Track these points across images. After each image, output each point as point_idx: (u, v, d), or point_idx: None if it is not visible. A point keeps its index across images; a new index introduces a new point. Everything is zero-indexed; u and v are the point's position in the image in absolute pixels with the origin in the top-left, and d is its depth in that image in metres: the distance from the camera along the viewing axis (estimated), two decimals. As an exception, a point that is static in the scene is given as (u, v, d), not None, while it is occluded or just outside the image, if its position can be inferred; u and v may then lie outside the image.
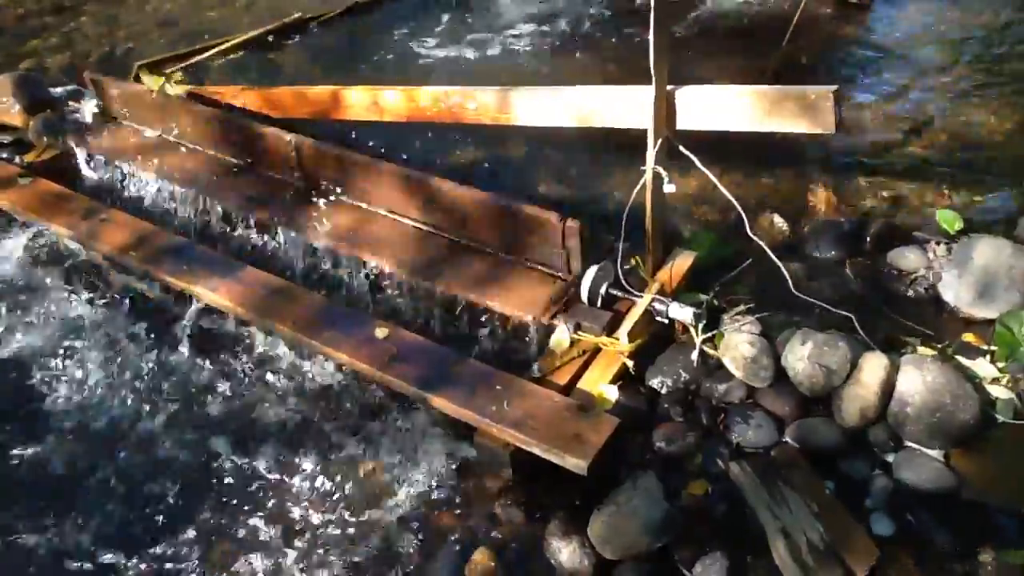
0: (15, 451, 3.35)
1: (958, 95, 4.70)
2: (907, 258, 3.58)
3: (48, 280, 4.10)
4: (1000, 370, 3.01)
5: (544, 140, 4.33)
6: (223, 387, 3.53)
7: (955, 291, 3.37)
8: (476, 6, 6.13)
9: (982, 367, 3.02)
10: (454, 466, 3.13)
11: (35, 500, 3.18)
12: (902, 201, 3.97)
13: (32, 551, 3.00)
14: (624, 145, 3.36)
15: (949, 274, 3.42)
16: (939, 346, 3.13)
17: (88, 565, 2.95)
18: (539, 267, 3.42)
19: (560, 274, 3.37)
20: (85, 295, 3.99)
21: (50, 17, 6.52)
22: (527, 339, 3.37)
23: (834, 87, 2.87)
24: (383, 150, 4.20)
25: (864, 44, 5.40)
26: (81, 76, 4.79)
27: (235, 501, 3.11)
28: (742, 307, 3.21)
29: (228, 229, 4.13)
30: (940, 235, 3.60)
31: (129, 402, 3.49)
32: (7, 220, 4.40)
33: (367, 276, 3.73)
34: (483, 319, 3.46)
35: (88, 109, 4.70)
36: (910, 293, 3.49)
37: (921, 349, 3.12)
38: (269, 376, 3.55)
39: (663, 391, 3.16)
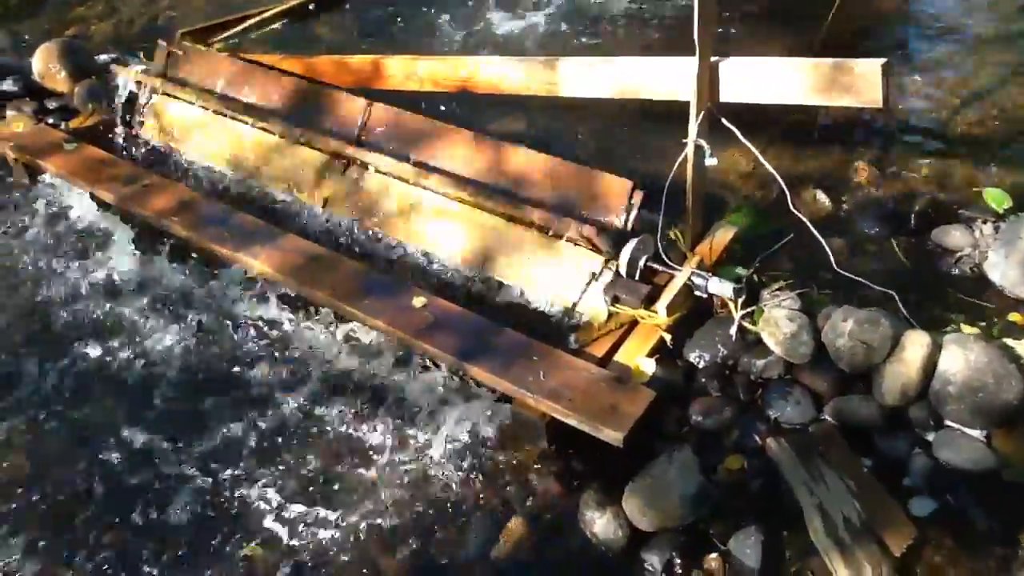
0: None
1: (1008, 70, 4.59)
2: (952, 236, 3.52)
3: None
4: (1046, 351, 2.96)
5: (584, 111, 4.30)
6: (264, 342, 3.59)
7: (1001, 271, 3.31)
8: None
9: (1028, 348, 2.98)
10: (490, 435, 3.15)
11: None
12: (948, 178, 3.90)
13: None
14: (666, 117, 3.33)
15: (996, 253, 3.35)
16: (983, 326, 3.09)
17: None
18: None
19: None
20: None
21: (95, -16, 6.58)
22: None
23: (883, 60, 2.82)
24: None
25: (911, 17, 5.29)
26: (126, 43, 4.83)
27: (268, 460, 3.17)
28: (782, 282, 3.19)
29: (276, 197, 4.17)
30: (987, 213, 3.53)
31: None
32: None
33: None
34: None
35: (133, 78, 4.74)
36: (955, 272, 3.44)
37: (965, 328, 3.07)
38: (309, 337, 3.59)
39: (701, 365, 3.15)
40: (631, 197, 3.29)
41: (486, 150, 3.64)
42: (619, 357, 3.12)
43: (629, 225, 3.30)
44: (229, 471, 3.15)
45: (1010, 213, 3.47)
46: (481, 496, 2.99)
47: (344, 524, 2.95)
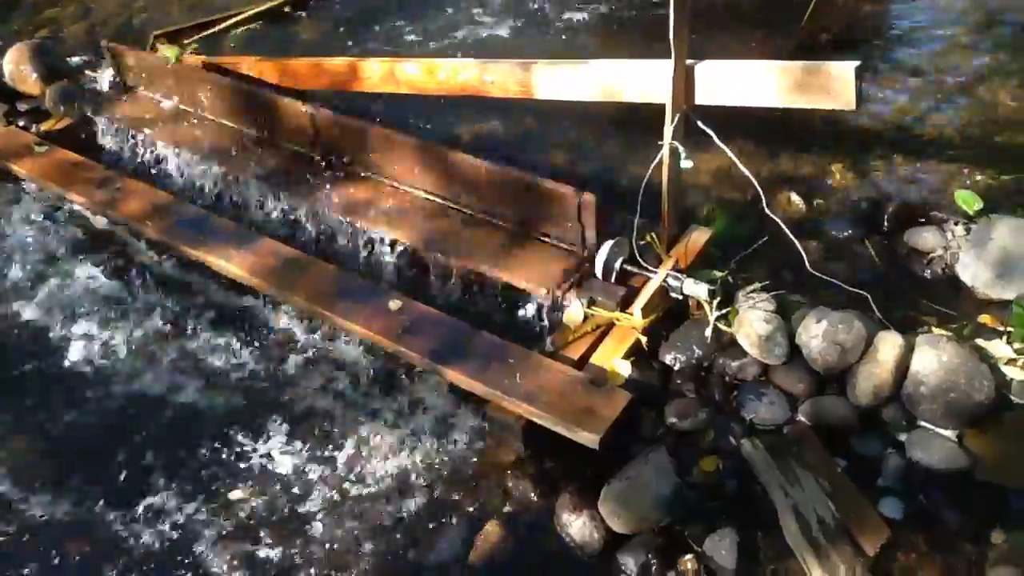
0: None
1: (979, 74, 4.64)
2: (925, 238, 3.56)
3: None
4: (1016, 351, 2.98)
5: (561, 114, 4.31)
6: (237, 356, 3.56)
7: (972, 272, 3.35)
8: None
9: (998, 348, 3.00)
10: (466, 438, 3.14)
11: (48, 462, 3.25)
12: (921, 180, 3.94)
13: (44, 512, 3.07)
14: (642, 120, 3.34)
15: (967, 255, 3.39)
16: (955, 326, 3.11)
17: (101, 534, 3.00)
18: (553, 241, 3.41)
19: (575, 248, 3.35)
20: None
21: (68, -15, 6.51)
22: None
23: (856, 63, 2.84)
24: (400, 122, 4.17)
25: (885, 21, 5.34)
26: (98, 45, 4.78)
27: (243, 469, 3.15)
28: (757, 284, 3.20)
29: (244, 201, 4.13)
30: (959, 215, 3.57)
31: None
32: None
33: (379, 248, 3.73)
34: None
35: (105, 78, 4.70)
36: (927, 273, 3.47)
37: (936, 329, 3.10)
38: (281, 346, 3.58)
39: (676, 367, 3.15)
40: (580, 208, 3.25)
41: (433, 159, 3.63)
42: (595, 359, 3.11)
43: (586, 245, 3.31)
44: (194, 482, 3.13)
45: (980, 215, 3.51)
46: (456, 500, 2.98)
47: (316, 529, 2.93)
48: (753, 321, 3.06)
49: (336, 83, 4.23)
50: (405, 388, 3.36)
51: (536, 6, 5.69)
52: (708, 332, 3.13)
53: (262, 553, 2.88)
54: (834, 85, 2.93)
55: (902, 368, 2.91)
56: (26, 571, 2.89)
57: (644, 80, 3.23)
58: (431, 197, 3.71)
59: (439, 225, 3.60)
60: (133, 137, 4.44)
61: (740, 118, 3.17)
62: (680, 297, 3.21)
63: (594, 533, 2.77)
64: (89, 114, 4.56)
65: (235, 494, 3.07)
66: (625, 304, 3.20)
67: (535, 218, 3.44)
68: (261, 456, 3.19)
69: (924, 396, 2.87)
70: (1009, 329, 3.06)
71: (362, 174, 3.85)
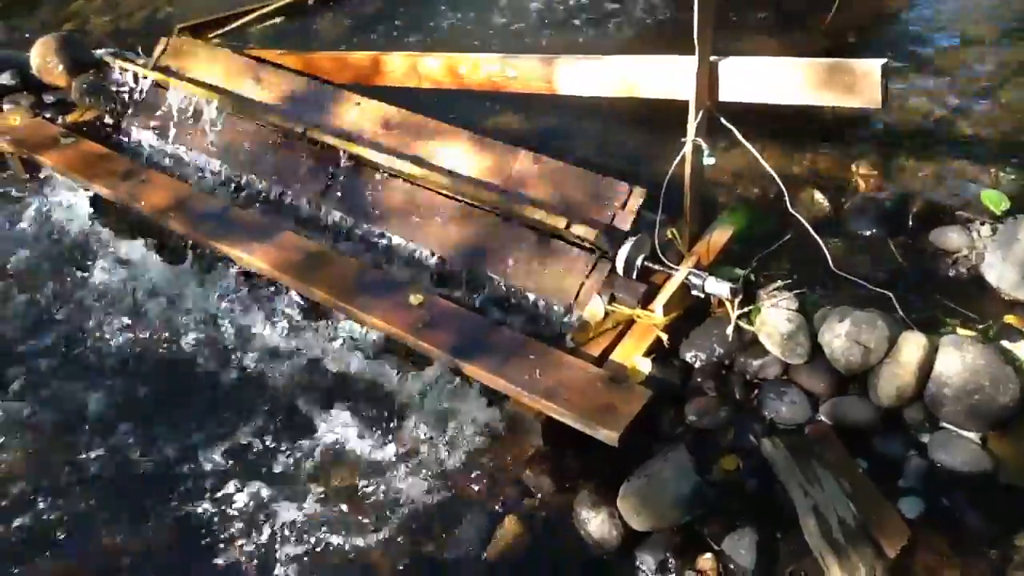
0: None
1: (1007, 72, 4.58)
2: (950, 238, 3.52)
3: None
4: (1042, 354, 2.95)
5: (583, 109, 4.29)
6: (259, 344, 3.59)
7: (998, 272, 3.31)
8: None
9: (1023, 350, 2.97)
10: (485, 434, 3.14)
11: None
12: (946, 179, 3.89)
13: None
14: (665, 116, 3.33)
15: (993, 255, 3.35)
16: (980, 327, 3.08)
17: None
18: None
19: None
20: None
21: (93, -22, 6.56)
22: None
23: (882, 61, 2.81)
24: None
25: (911, 18, 5.28)
26: (124, 37, 4.81)
27: (255, 463, 3.17)
28: (779, 283, 3.17)
29: (267, 195, 4.15)
30: (985, 215, 3.53)
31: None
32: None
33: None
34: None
35: (133, 73, 4.72)
36: (952, 273, 3.43)
37: (961, 330, 3.07)
38: (298, 335, 3.60)
39: (697, 365, 3.14)
40: (628, 199, 3.28)
41: (485, 151, 3.63)
42: (615, 356, 3.11)
43: (627, 226, 3.29)
44: (216, 472, 3.14)
45: (1007, 215, 3.47)
46: (475, 495, 2.99)
47: (336, 524, 2.94)
48: (775, 320, 3.05)
49: (359, 77, 4.24)
50: (424, 381, 3.36)
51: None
52: (729, 330, 3.11)
53: (280, 543, 2.90)
54: (860, 83, 2.91)
55: (925, 369, 2.89)
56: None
57: (668, 76, 3.22)
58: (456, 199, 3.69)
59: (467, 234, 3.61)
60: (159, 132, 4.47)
61: (764, 115, 3.15)
62: (702, 295, 3.19)
63: (613, 530, 2.76)
64: (115, 120, 4.59)
65: (258, 484, 3.10)
66: (646, 301, 3.20)
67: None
68: (281, 448, 3.21)
69: (947, 398, 2.84)
70: (1035, 331, 3.03)
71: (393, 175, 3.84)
